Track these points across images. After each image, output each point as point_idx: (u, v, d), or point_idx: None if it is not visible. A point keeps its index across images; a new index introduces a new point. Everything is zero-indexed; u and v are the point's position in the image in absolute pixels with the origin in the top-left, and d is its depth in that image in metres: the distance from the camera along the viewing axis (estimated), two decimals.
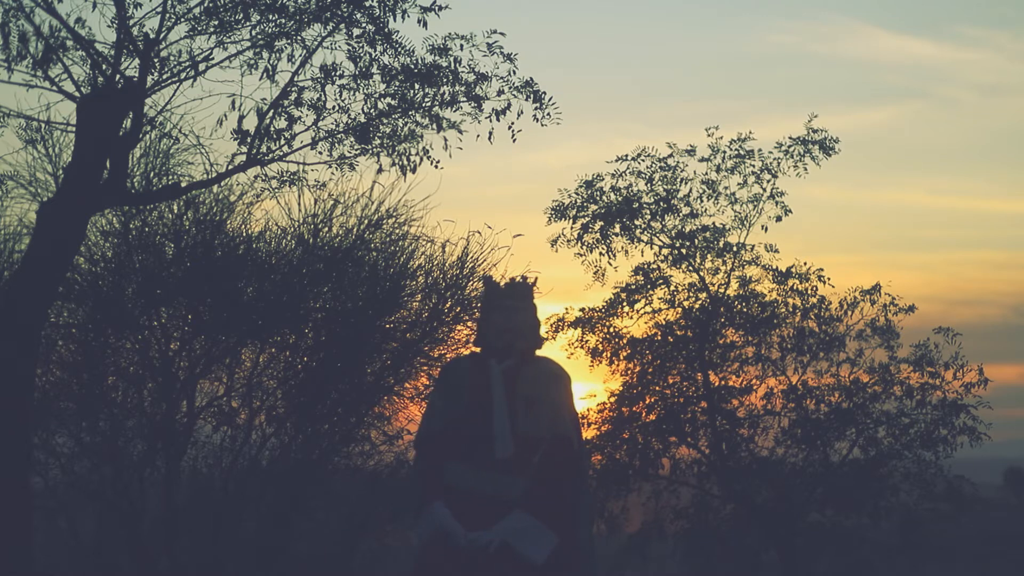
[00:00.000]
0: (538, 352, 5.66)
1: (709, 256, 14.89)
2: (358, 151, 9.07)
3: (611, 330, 15.18)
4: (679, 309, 14.96)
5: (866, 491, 14.52)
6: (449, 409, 5.53)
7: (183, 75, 8.43)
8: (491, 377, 5.48)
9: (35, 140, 9.32)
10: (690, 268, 14.92)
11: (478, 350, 5.69)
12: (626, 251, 15.01)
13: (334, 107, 8.87)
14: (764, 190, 14.84)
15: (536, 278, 5.73)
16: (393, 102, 8.93)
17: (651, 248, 15.03)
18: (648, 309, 15.07)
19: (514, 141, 8.91)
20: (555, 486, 5.39)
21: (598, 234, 14.91)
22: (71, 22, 8.11)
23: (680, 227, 14.90)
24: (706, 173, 14.88)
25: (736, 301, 14.90)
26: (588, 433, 14.75)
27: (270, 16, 8.52)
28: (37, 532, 8.57)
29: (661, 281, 14.94)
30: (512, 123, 8.92)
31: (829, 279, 14.90)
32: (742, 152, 14.82)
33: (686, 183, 14.90)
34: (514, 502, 5.33)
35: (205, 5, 8.38)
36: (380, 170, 9.14)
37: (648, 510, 15.34)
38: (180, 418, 9.75)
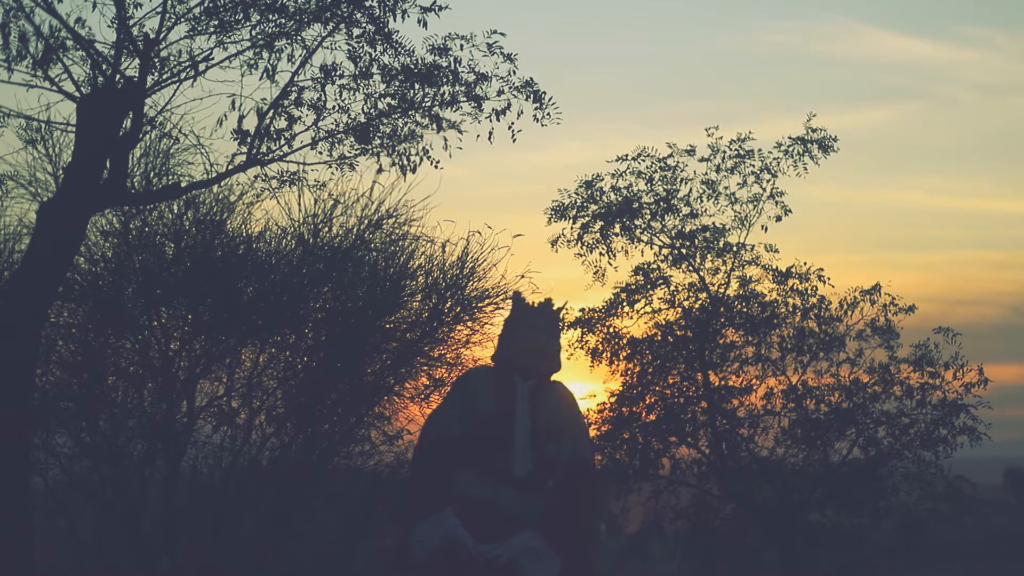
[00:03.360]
0: (553, 376, 5.69)
1: (709, 256, 14.91)
2: (358, 151, 9.06)
3: (611, 330, 15.17)
4: (679, 309, 14.96)
5: (866, 491, 14.53)
6: (466, 419, 5.49)
7: (183, 75, 8.42)
8: (516, 394, 5.47)
9: (35, 140, 9.30)
10: (690, 268, 14.93)
11: (491, 364, 5.67)
12: (626, 251, 15.02)
13: (334, 107, 8.87)
14: (764, 190, 14.87)
15: (566, 302, 5.78)
16: (393, 102, 8.92)
17: (651, 248, 15.04)
18: (648, 309, 15.07)
19: (514, 141, 8.90)
20: (571, 507, 5.38)
21: (598, 234, 14.92)
22: (71, 22, 8.10)
23: (680, 227, 14.92)
24: (706, 173, 14.91)
25: (736, 301, 14.90)
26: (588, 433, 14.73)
27: (270, 16, 8.52)
28: (37, 532, 8.55)
29: (661, 281, 14.94)
30: (512, 123, 8.90)
31: (829, 279, 14.91)
32: (742, 152, 14.83)
33: (686, 183, 14.92)
34: (527, 520, 5.31)
35: (205, 5, 8.38)
36: (380, 170, 9.14)
37: (648, 510, 15.34)
38: (180, 418, 9.74)
